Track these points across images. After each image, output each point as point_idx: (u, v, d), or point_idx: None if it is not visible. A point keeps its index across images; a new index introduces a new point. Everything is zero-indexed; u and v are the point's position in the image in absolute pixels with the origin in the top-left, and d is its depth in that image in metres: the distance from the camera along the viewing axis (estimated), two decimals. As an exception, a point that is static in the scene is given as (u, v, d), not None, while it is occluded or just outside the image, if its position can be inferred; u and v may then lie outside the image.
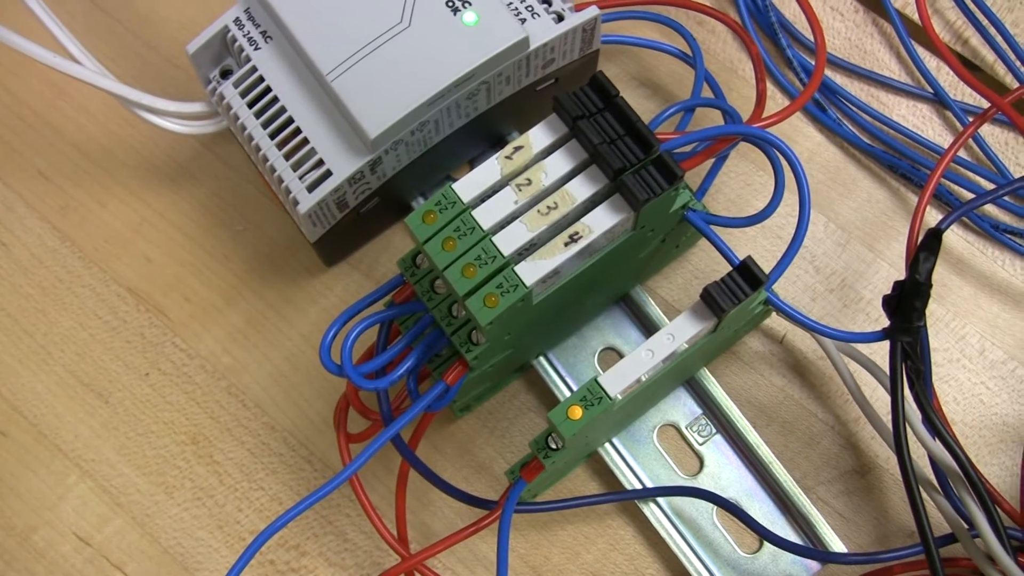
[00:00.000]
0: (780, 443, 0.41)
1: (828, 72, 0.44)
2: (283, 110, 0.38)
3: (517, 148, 0.34)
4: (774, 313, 0.41)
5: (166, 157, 0.44)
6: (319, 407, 0.42)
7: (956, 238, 0.43)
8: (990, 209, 0.43)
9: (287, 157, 0.38)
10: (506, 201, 0.33)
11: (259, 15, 0.39)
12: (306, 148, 0.38)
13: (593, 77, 0.34)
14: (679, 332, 0.33)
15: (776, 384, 0.41)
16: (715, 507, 0.40)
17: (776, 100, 0.44)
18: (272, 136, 0.38)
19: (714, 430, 0.41)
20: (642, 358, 0.33)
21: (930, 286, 0.36)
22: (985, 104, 0.43)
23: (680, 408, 0.41)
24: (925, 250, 0.36)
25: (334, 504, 0.41)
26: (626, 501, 0.40)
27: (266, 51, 0.39)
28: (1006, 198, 0.43)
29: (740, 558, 0.40)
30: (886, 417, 0.36)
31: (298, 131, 0.38)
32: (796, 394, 0.41)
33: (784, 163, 0.36)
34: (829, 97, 0.44)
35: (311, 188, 0.38)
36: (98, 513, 0.41)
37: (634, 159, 0.33)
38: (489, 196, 0.33)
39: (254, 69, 0.39)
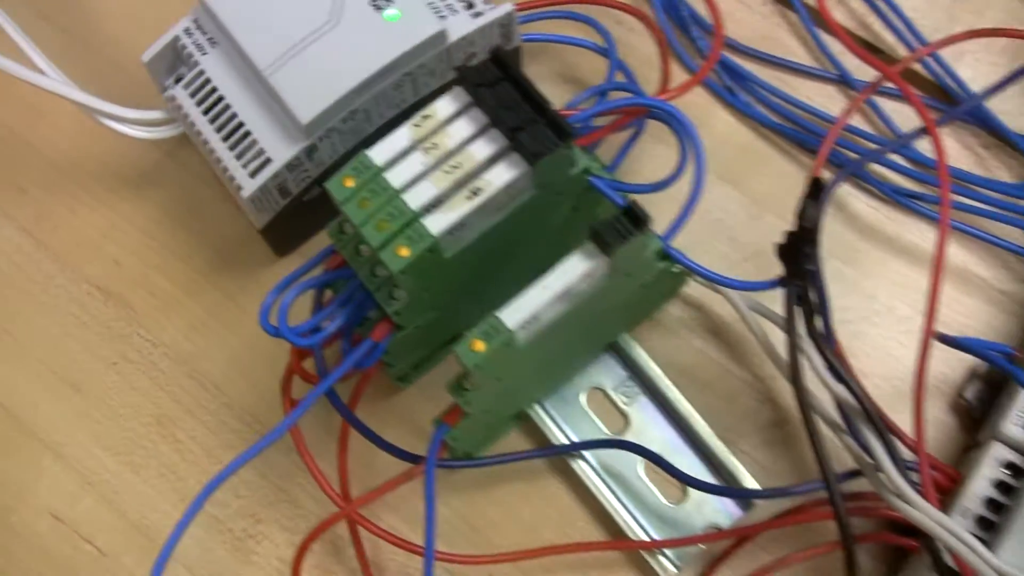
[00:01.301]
0: (702, 401, 0.43)
1: (739, 60, 0.48)
2: (228, 107, 0.42)
3: (425, 116, 0.37)
4: (693, 282, 0.44)
5: (132, 167, 0.48)
6: (272, 385, 0.44)
7: (864, 207, 0.46)
8: (894, 177, 0.46)
9: (232, 148, 0.42)
10: (415, 163, 0.37)
11: (206, 24, 0.43)
12: (248, 139, 0.42)
13: (493, 52, 0.37)
14: (571, 268, 0.36)
15: (696, 346, 0.44)
16: (640, 461, 0.42)
17: (693, 90, 0.47)
18: (218, 131, 0.42)
19: (639, 391, 0.44)
20: (537, 293, 0.36)
21: (817, 231, 0.38)
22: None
23: (607, 372, 0.44)
24: (809, 198, 0.39)
25: (287, 474, 0.44)
26: (558, 459, 0.43)
27: (212, 56, 0.43)
28: (908, 165, 0.45)
29: (666, 508, 0.42)
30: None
31: (241, 125, 0.42)
32: (715, 355, 0.44)
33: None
34: (740, 83, 0.47)
35: (253, 174, 0.41)
36: (70, 492, 0.44)
37: (528, 119, 0.36)
38: (400, 159, 0.37)
39: (202, 72, 0.43)
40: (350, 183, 0.36)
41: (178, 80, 0.44)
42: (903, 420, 0.42)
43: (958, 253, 0.45)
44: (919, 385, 0.39)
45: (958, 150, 0.47)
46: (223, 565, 0.43)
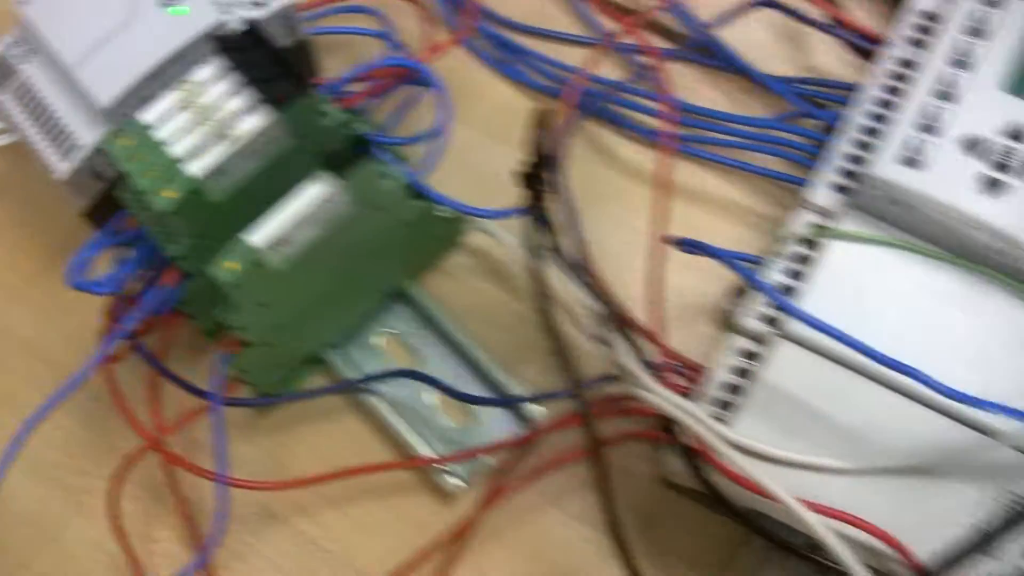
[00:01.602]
0: (487, 336, 0.47)
1: (515, 37, 0.53)
2: (45, 106, 0.47)
3: (188, 81, 0.42)
4: (475, 231, 0.48)
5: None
6: (104, 355, 0.49)
7: (629, 151, 0.51)
8: (653, 121, 0.50)
9: (47, 139, 0.47)
10: (179, 120, 0.42)
11: (27, 37, 0.49)
12: (61, 130, 0.47)
13: (249, 25, 0.43)
14: (308, 192, 0.41)
15: (478, 287, 0.49)
16: (427, 390, 0.46)
17: (467, 64, 0.53)
18: (37, 127, 0.47)
19: (428, 333, 0.48)
20: (278, 215, 0.40)
21: (549, 158, 0.43)
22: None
23: (398, 318, 0.48)
24: (534, 128, 0.43)
25: (117, 431, 0.47)
26: (356, 398, 0.47)
27: (33, 64, 0.48)
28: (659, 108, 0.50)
29: (454, 431, 0.46)
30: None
31: (54, 118, 0.47)
32: (496, 294, 0.48)
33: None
34: (515, 56, 0.53)
35: (64, 158, 0.47)
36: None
37: (274, 76, 0.41)
38: (166, 119, 0.42)
39: (23, 79, 0.48)
40: (125, 142, 0.42)
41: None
42: (677, 340, 0.46)
43: (721, 186, 0.50)
44: (654, 282, 0.43)
45: (717, 95, 0.51)
46: (61, 518, 0.47)
